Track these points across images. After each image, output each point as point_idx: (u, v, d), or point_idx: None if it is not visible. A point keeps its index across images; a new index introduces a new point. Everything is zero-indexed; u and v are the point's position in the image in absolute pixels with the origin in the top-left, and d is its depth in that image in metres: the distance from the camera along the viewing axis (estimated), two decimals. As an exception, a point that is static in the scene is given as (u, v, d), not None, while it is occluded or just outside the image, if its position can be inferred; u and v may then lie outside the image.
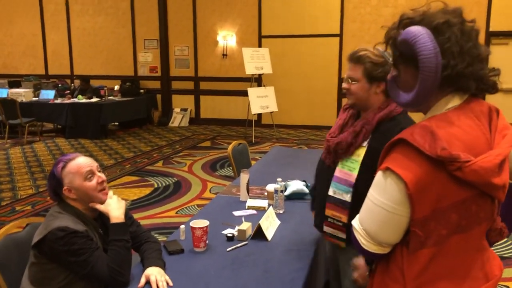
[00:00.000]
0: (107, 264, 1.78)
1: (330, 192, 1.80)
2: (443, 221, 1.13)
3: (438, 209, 1.12)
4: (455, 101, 1.18)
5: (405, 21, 1.19)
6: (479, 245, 1.20)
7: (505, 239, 3.94)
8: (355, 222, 1.27)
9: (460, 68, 1.12)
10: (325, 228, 1.85)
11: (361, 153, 1.77)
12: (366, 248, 1.23)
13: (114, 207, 1.91)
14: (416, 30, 1.13)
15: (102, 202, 1.92)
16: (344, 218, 1.76)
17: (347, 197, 1.75)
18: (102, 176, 1.95)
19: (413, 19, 1.17)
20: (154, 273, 1.81)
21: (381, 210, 1.17)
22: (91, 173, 1.91)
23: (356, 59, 1.81)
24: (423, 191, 1.10)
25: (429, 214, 1.12)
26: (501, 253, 3.70)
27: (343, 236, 1.78)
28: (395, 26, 1.22)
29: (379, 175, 1.18)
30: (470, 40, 1.14)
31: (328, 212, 1.81)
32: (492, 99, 1.28)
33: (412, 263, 1.17)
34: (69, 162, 1.91)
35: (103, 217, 1.98)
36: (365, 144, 1.78)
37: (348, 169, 1.78)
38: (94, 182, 1.89)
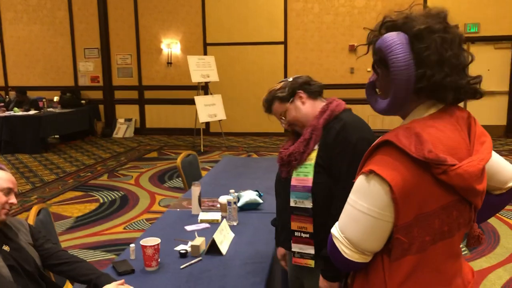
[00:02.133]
0: None
1: (292, 203, 1.77)
2: (426, 227, 1.10)
3: (422, 214, 1.09)
4: (434, 108, 1.16)
5: (387, 24, 1.16)
6: (458, 252, 1.18)
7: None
8: (334, 230, 1.20)
9: (437, 78, 1.09)
10: (293, 247, 1.79)
11: (312, 156, 1.76)
12: (348, 257, 1.17)
13: None
14: (391, 39, 1.10)
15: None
16: (309, 228, 1.72)
17: (308, 204, 1.72)
18: (15, 200, 1.85)
19: (395, 22, 1.15)
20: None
21: (364, 216, 1.11)
22: (9, 191, 1.82)
23: (268, 105, 1.93)
24: (408, 195, 1.07)
25: (413, 220, 1.09)
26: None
27: (312, 251, 1.74)
28: (377, 29, 1.19)
29: (361, 179, 1.13)
30: (451, 48, 1.11)
31: (294, 225, 1.77)
32: None
33: (394, 272, 1.13)
34: None
35: (5, 232, 1.85)
36: (316, 147, 1.78)
37: (303, 175, 1.76)
38: (5, 198, 1.81)
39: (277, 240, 1.99)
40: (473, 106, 9.03)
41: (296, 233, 1.77)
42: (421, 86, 1.10)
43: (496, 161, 1.26)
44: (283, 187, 1.85)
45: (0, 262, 1.71)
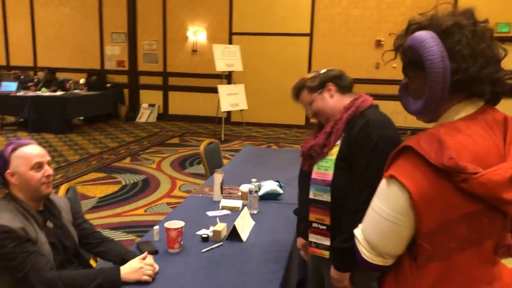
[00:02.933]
0: (46, 275, 1.68)
1: (311, 195, 1.80)
2: (452, 234, 1.08)
3: (446, 221, 1.07)
4: (468, 109, 1.13)
5: (413, 27, 1.15)
6: (490, 259, 1.14)
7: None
8: (357, 232, 1.22)
9: (473, 71, 1.07)
10: (310, 237, 1.83)
11: (334, 151, 1.78)
12: (368, 259, 1.18)
13: (135, 268, 1.80)
14: (421, 35, 1.09)
15: (43, 196, 1.86)
16: (326, 220, 1.76)
17: (327, 197, 1.75)
18: (50, 170, 1.87)
19: (421, 24, 1.13)
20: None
21: (383, 220, 1.12)
22: (40, 165, 1.84)
23: (297, 93, 1.96)
24: (428, 202, 1.05)
25: (436, 227, 1.07)
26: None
27: (327, 242, 1.77)
28: (403, 33, 1.17)
29: (383, 183, 1.14)
30: (483, 41, 1.09)
31: (312, 216, 1.80)
32: None
33: (421, 277, 1.12)
34: (21, 147, 1.84)
35: (50, 209, 1.92)
36: (338, 142, 1.79)
37: (324, 169, 1.78)
38: (40, 174, 1.83)
39: (298, 231, 2.03)
40: (502, 109, 8.88)
41: (314, 224, 1.81)
42: (458, 78, 1.08)
43: None
44: (304, 179, 1.89)
45: (43, 238, 1.79)
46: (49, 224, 1.88)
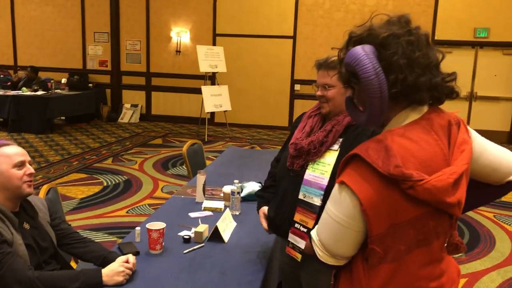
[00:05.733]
0: (25, 275, 1.67)
1: (300, 196, 1.79)
2: (400, 237, 1.13)
3: (394, 225, 1.12)
4: (413, 115, 1.17)
5: (353, 39, 1.18)
6: (438, 257, 1.20)
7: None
8: (313, 233, 1.27)
9: (410, 80, 1.11)
10: (290, 237, 1.82)
11: (332, 156, 1.78)
12: (322, 260, 1.24)
13: (115, 271, 1.80)
14: (355, 52, 1.12)
15: (24, 195, 1.85)
16: (310, 224, 1.74)
17: (317, 201, 1.74)
18: (32, 169, 1.88)
19: (360, 36, 1.17)
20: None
21: (335, 223, 1.17)
22: (22, 163, 1.84)
23: (328, 65, 1.84)
24: (377, 207, 1.10)
25: (386, 231, 1.12)
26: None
27: (302, 246, 1.75)
28: (344, 46, 1.21)
29: (335, 187, 1.19)
30: (419, 49, 1.13)
31: (297, 217, 1.79)
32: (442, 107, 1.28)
33: (373, 278, 1.17)
34: (2, 146, 1.84)
35: (26, 210, 1.91)
36: (336, 147, 1.79)
37: (320, 173, 1.77)
38: (21, 172, 1.83)
39: (272, 224, 2.02)
40: (477, 111, 9.08)
41: (296, 225, 1.80)
42: (396, 90, 1.12)
43: (494, 155, 1.27)
44: (291, 178, 1.88)
45: (19, 240, 1.77)
46: (25, 226, 1.86)
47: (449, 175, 1.09)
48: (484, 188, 1.33)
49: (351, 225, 1.15)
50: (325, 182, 1.75)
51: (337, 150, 1.78)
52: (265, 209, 2.07)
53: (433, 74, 1.14)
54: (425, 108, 1.19)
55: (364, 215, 1.11)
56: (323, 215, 1.22)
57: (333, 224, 1.18)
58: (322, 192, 1.74)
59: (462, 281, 3.44)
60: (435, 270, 1.20)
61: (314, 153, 1.81)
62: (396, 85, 1.12)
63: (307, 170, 1.81)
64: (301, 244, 1.76)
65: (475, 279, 3.48)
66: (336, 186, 1.18)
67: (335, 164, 1.75)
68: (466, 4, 8.87)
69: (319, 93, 1.88)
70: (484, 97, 9.05)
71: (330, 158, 1.78)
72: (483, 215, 4.91)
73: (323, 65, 1.86)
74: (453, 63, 9.02)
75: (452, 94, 1.20)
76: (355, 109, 1.26)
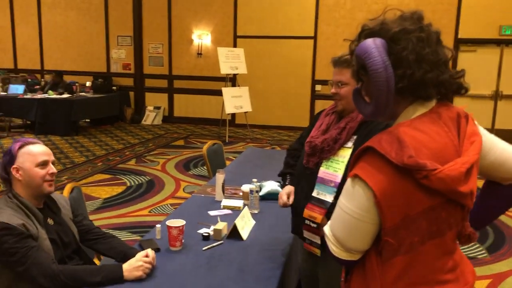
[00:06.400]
0: (49, 268, 1.73)
1: (314, 193, 1.81)
2: (414, 228, 1.14)
3: (408, 216, 1.12)
4: (422, 109, 1.19)
5: (365, 32, 1.21)
6: (451, 249, 1.21)
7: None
8: (326, 229, 1.27)
9: (418, 76, 1.14)
10: (305, 233, 1.84)
11: (346, 154, 1.79)
12: (336, 255, 1.24)
13: (134, 266, 1.84)
14: (366, 45, 1.15)
15: (45, 193, 1.92)
16: (318, 219, 1.76)
17: (330, 198, 1.76)
18: (54, 169, 1.94)
19: (372, 29, 1.19)
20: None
21: (349, 217, 1.17)
22: (45, 163, 1.90)
23: (343, 62, 1.85)
24: (391, 199, 1.11)
25: (399, 222, 1.13)
26: (466, 253, 3.85)
27: (318, 241, 1.78)
28: (356, 38, 1.23)
29: (348, 181, 1.19)
30: (429, 46, 1.15)
31: (306, 213, 1.81)
32: (459, 104, 1.29)
33: (387, 271, 1.18)
34: (28, 144, 1.91)
35: (50, 206, 1.97)
36: (350, 145, 1.81)
37: (333, 170, 1.79)
38: (44, 171, 1.89)
39: (294, 226, 2.06)
40: (502, 110, 8.88)
41: (306, 221, 1.82)
42: (402, 85, 1.15)
43: (503, 150, 1.27)
44: (308, 177, 1.90)
45: (44, 235, 1.84)
46: (49, 221, 1.93)
47: (461, 165, 1.10)
48: (497, 190, 1.32)
49: (366, 218, 1.15)
50: (338, 179, 1.76)
51: (351, 148, 1.80)
52: (287, 189, 2.09)
53: (441, 71, 1.16)
54: (433, 103, 1.21)
55: (378, 207, 1.12)
56: (336, 209, 1.23)
57: (347, 218, 1.18)
58: (335, 189, 1.75)
59: (486, 282, 3.38)
60: (449, 262, 1.20)
61: (327, 151, 1.83)
62: (404, 80, 1.14)
63: (321, 168, 1.83)
64: (317, 239, 1.78)
65: (500, 280, 3.41)
66: (349, 180, 1.18)
67: (348, 161, 1.75)
68: (490, 1, 8.69)
69: (333, 90, 1.90)
70: (510, 96, 8.84)
71: (344, 155, 1.80)
72: (508, 215, 4.81)
73: (338, 62, 1.88)
74: (478, 61, 8.89)
75: (461, 90, 1.21)
76: (362, 101, 1.28)
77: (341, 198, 1.21)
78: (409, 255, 1.16)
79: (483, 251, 3.91)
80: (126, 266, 1.84)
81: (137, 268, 1.83)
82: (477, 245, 4.01)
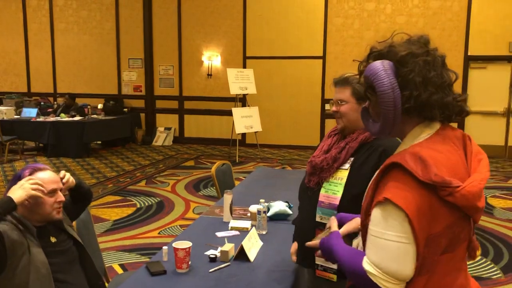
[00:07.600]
0: None
1: (317, 219, 1.82)
2: (435, 246, 1.14)
3: (431, 235, 1.13)
4: (428, 130, 1.23)
5: (374, 54, 1.26)
6: (461, 266, 1.23)
7: (482, 259, 4.01)
8: (368, 267, 1.17)
9: (424, 98, 1.18)
10: (317, 260, 1.80)
11: (343, 175, 1.80)
12: None
13: (16, 187, 1.77)
14: (375, 67, 1.20)
15: (53, 221, 1.94)
16: None
17: None
18: (62, 197, 1.96)
19: (381, 51, 1.25)
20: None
21: (396, 244, 1.12)
22: (54, 191, 1.92)
23: (343, 81, 1.89)
24: (421, 217, 1.11)
25: (424, 241, 1.13)
26: (480, 274, 3.75)
27: (334, 266, 1.74)
28: (365, 59, 1.29)
29: (378, 208, 1.16)
30: (434, 69, 1.20)
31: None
32: (471, 121, 1.33)
33: None
34: (37, 171, 1.92)
35: (56, 224, 1.98)
36: (347, 166, 1.82)
37: (332, 193, 1.80)
38: (53, 199, 1.91)
39: (294, 236, 2.06)
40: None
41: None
42: (409, 106, 1.19)
43: None
44: (310, 198, 1.90)
45: (43, 258, 1.82)
46: (52, 239, 1.94)
47: (479, 181, 1.14)
48: None
49: (406, 239, 1.12)
50: (336, 201, 1.78)
51: (347, 169, 1.82)
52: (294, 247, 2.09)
53: (445, 93, 1.21)
54: (438, 125, 1.25)
55: (411, 227, 1.11)
56: (376, 242, 1.16)
57: (393, 246, 1.12)
58: (335, 212, 1.75)
59: (502, 304, 3.29)
60: (459, 280, 1.20)
61: (326, 169, 1.84)
62: (410, 100, 1.19)
63: (320, 192, 1.84)
64: (333, 265, 1.75)
65: (516, 302, 3.32)
66: (379, 206, 1.15)
67: (346, 183, 1.77)
68: (499, 18, 8.68)
69: (334, 108, 1.93)
70: (522, 113, 8.76)
71: (341, 177, 1.81)
72: (524, 235, 4.70)
73: (337, 82, 1.92)
74: (488, 78, 8.83)
75: (462, 113, 1.25)
76: (370, 119, 1.32)
77: (375, 228, 1.16)
78: (427, 275, 1.16)
79: (498, 271, 3.81)
80: (11, 190, 1.77)
81: (18, 187, 1.76)
82: (491, 265, 3.92)
